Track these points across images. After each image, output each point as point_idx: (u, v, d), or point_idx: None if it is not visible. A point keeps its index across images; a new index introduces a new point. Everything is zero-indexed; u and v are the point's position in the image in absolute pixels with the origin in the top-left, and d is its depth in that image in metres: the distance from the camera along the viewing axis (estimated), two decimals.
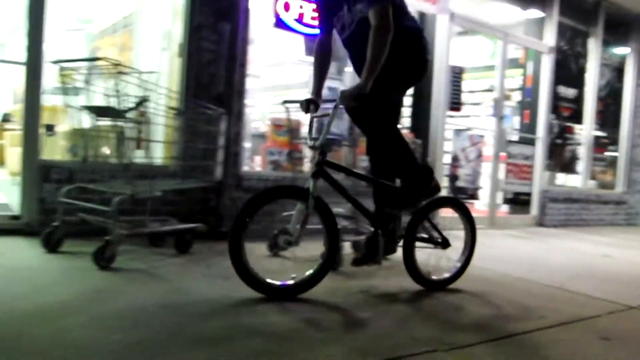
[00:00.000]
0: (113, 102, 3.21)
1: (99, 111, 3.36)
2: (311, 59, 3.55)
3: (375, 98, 3.02)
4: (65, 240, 3.51)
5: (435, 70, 6.37)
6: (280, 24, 5.18)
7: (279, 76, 8.17)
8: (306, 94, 3.31)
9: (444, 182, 6.84)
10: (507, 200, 7.60)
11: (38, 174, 3.91)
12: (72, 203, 3.48)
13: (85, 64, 3.45)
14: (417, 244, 3.34)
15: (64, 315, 2.36)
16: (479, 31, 7.67)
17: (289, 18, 5.21)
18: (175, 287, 2.96)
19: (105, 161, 3.50)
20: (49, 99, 4.28)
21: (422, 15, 6.46)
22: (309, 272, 2.98)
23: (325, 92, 3.52)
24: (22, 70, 3.92)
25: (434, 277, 3.42)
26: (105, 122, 3.49)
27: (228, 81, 4.57)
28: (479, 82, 8.93)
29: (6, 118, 11.79)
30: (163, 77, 4.45)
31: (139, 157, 3.55)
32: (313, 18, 5.34)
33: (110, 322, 2.33)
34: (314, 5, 5.29)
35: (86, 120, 3.49)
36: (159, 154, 4.00)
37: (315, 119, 3.26)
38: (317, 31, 3.43)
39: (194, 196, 4.34)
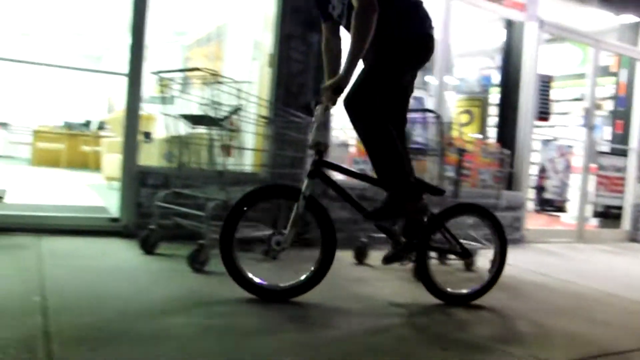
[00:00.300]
0: (208, 111, 3.34)
1: (195, 119, 3.49)
2: None
3: (366, 88, 2.87)
4: (161, 243, 3.66)
5: (523, 79, 6.24)
6: None
7: None
8: None
9: (530, 194, 6.67)
10: (597, 214, 7.31)
11: (136, 179, 4.10)
12: (168, 207, 3.64)
13: (183, 74, 3.62)
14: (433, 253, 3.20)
15: (165, 314, 2.48)
16: (569, 38, 7.45)
17: None
18: None
19: (200, 168, 3.63)
20: (144, 108, 4.48)
21: (510, 23, 6.35)
22: (304, 276, 2.94)
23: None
24: (123, 81, 4.12)
25: (453, 291, 3.20)
26: (200, 130, 3.63)
27: (316, 91, 4.64)
28: (567, 90, 8.66)
29: (101, 126, 12.45)
30: (253, 86, 4.59)
31: (231, 164, 3.66)
32: None
33: (207, 322, 2.42)
34: None
35: (182, 128, 3.64)
36: (249, 162, 4.11)
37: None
38: None
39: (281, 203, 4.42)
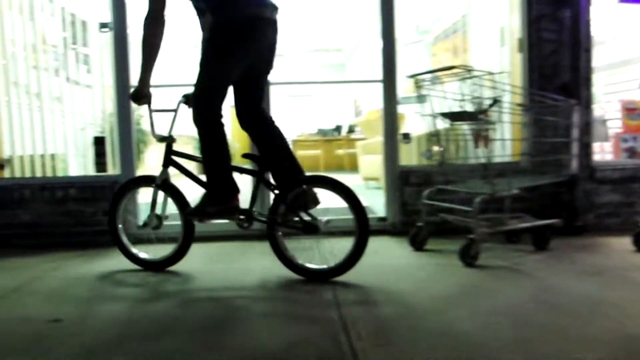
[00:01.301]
0: (467, 106, 3.36)
1: (454, 116, 3.53)
2: None
3: (199, 87, 2.97)
4: (429, 239, 3.78)
5: None
6: None
7: (612, 53, 7.50)
8: None
9: None
10: None
11: (399, 179, 4.29)
12: (433, 204, 3.74)
13: (435, 73, 3.68)
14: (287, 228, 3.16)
15: (447, 309, 2.55)
16: None
17: None
18: (544, 285, 2.95)
19: (461, 163, 3.66)
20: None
21: None
22: (171, 250, 3.40)
23: None
24: (378, 87, 4.34)
25: (312, 266, 3.14)
26: (457, 125, 3.67)
27: (573, 69, 4.37)
28: None
29: (351, 129, 13.16)
30: (505, 74, 4.49)
31: (491, 156, 3.64)
32: None
33: (491, 318, 2.43)
34: None
35: (439, 125, 3.71)
36: (509, 152, 4.03)
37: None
38: None
39: (545, 191, 4.26)
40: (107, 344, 2.21)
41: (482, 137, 3.82)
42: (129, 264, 3.49)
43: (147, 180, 3.49)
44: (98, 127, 5.72)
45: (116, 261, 3.55)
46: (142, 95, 3.12)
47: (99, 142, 4.64)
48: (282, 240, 3.20)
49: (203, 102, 2.99)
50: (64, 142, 4.90)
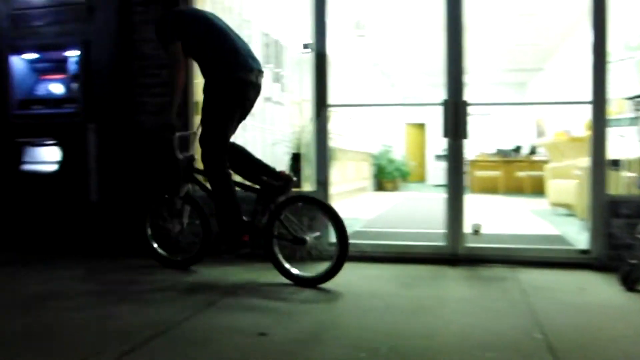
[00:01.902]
0: None
1: None
2: None
3: (203, 133, 3.48)
4: None
5: None
6: None
7: None
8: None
9: None
10: None
11: (606, 209, 3.88)
12: None
13: None
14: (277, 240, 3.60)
15: None
16: None
17: None
18: None
19: None
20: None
21: None
22: (194, 252, 3.92)
23: None
24: (588, 108, 3.95)
25: (301, 274, 3.54)
26: None
27: None
28: None
29: (533, 150, 12.53)
30: None
31: None
32: None
33: None
34: None
35: None
36: None
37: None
38: None
39: None
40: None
41: None
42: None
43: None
44: (287, 143, 5.92)
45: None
46: (171, 125, 3.57)
47: (295, 158, 4.79)
48: (277, 249, 3.59)
49: (209, 156, 3.47)
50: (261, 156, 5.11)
